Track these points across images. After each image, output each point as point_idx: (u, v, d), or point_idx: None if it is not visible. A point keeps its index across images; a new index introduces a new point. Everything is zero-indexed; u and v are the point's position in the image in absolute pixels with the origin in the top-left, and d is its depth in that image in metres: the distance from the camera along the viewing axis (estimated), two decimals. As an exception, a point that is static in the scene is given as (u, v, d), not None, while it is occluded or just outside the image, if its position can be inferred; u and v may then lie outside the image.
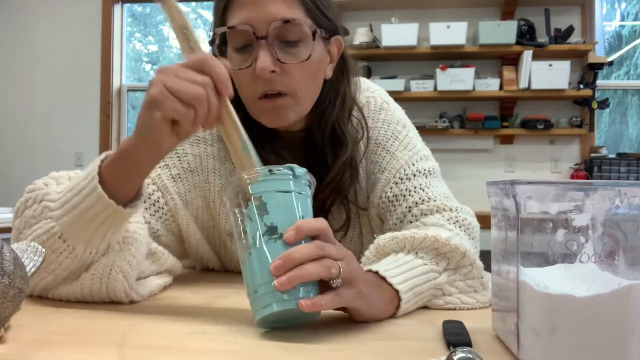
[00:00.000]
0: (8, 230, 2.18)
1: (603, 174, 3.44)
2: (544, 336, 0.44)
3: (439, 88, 3.48)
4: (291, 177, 0.59)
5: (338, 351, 0.51)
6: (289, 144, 0.88)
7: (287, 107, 0.80)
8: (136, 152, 0.62)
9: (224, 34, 0.79)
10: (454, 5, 3.63)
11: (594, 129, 3.58)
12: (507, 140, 3.66)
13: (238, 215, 0.58)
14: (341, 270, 0.55)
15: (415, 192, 0.85)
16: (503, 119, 3.60)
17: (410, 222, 0.84)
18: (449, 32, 3.43)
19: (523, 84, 3.42)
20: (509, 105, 3.59)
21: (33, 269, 0.58)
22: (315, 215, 0.60)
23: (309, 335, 0.56)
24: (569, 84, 3.44)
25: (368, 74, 3.55)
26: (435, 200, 0.84)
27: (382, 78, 3.53)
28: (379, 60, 3.65)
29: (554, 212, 0.45)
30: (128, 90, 4.13)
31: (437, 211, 0.83)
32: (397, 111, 0.96)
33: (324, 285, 0.56)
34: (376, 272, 0.64)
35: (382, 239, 0.74)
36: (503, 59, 3.57)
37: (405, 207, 0.85)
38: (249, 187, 0.58)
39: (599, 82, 3.58)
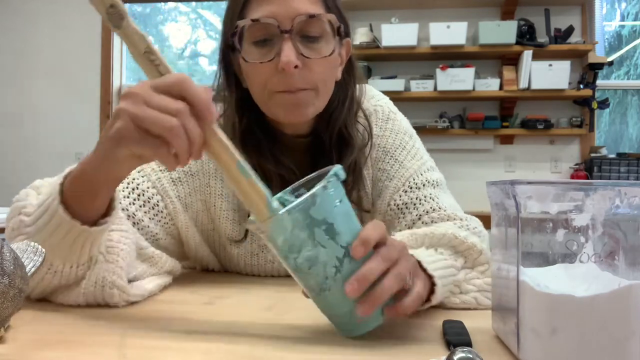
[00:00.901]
0: (8, 230, 2.19)
1: (603, 174, 3.44)
2: (544, 336, 0.44)
3: (439, 88, 3.48)
4: (340, 182, 0.54)
5: (338, 351, 0.51)
6: (290, 150, 0.87)
7: (308, 101, 0.80)
8: (95, 177, 0.59)
9: (242, 29, 0.78)
10: (454, 5, 3.63)
11: (594, 129, 3.58)
12: (507, 140, 3.66)
13: (304, 246, 0.52)
14: (409, 273, 0.55)
15: (425, 201, 0.86)
16: (503, 119, 3.60)
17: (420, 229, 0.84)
18: (449, 32, 3.43)
19: (523, 84, 3.42)
20: (509, 105, 3.59)
21: (33, 269, 0.58)
22: None
23: (309, 336, 0.56)
24: (569, 84, 3.44)
25: (368, 74, 3.55)
26: (445, 210, 0.85)
27: (382, 78, 3.53)
28: (379, 60, 3.65)
29: (554, 212, 0.45)
30: (128, 90, 4.12)
31: (447, 219, 0.84)
32: (404, 121, 0.97)
33: None
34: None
35: (400, 235, 0.74)
36: (503, 59, 3.57)
37: (416, 215, 0.86)
38: (310, 212, 0.51)
39: (599, 82, 3.58)
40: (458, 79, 3.46)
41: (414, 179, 0.89)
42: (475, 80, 3.48)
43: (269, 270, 0.93)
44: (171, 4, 4.40)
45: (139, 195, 0.83)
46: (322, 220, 0.51)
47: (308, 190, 0.53)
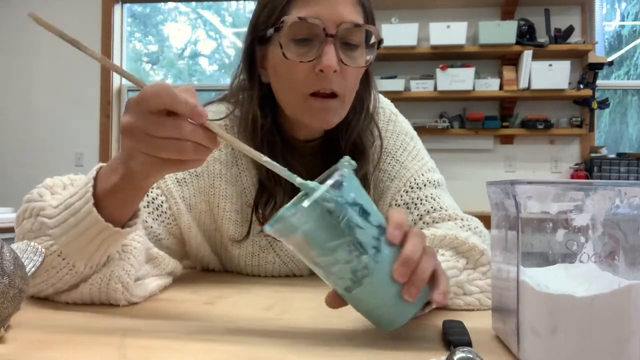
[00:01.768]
0: (8, 230, 2.18)
1: (603, 174, 3.44)
2: (544, 336, 0.44)
3: (439, 88, 3.49)
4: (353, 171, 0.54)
5: (338, 351, 0.51)
6: (301, 155, 0.88)
7: (336, 110, 0.80)
8: (125, 190, 0.60)
9: (281, 24, 0.78)
10: (454, 5, 3.63)
11: (594, 129, 3.58)
12: (507, 140, 3.66)
13: (336, 233, 0.50)
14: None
15: (426, 201, 0.87)
16: (503, 119, 3.60)
17: (422, 229, 0.84)
18: (449, 32, 3.43)
19: (523, 84, 3.42)
20: (509, 105, 3.59)
21: (33, 269, 0.58)
22: None
23: (309, 335, 0.56)
24: (569, 84, 3.44)
25: (368, 74, 3.55)
26: (447, 210, 0.85)
27: (382, 78, 3.53)
28: (379, 60, 3.60)
29: (554, 212, 0.45)
30: (128, 91, 4.13)
31: (449, 219, 0.84)
32: (404, 123, 0.98)
33: None
34: None
35: None
36: (503, 59, 3.58)
37: (417, 215, 0.86)
38: (342, 193, 0.50)
39: (599, 82, 3.59)
40: (458, 79, 3.46)
41: (415, 179, 0.89)
42: (475, 80, 3.48)
43: (269, 271, 0.93)
44: (171, 4, 4.40)
45: None
46: (353, 202, 0.50)
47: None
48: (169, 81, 4.53)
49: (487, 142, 3.65)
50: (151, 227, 0.83)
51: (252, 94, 0.86)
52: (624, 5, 4.19)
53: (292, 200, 0.57)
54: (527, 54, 3.39)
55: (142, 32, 4.59)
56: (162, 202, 0.84)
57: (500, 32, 3.43)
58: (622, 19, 4.23)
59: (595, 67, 3.48)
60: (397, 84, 3.50)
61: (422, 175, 0.90)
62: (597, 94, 3.55)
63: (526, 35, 3.48)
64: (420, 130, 3.44)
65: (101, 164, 0.63)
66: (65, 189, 0.69)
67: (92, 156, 3.98)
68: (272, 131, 0.85)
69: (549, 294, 0.44)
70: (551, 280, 0.45)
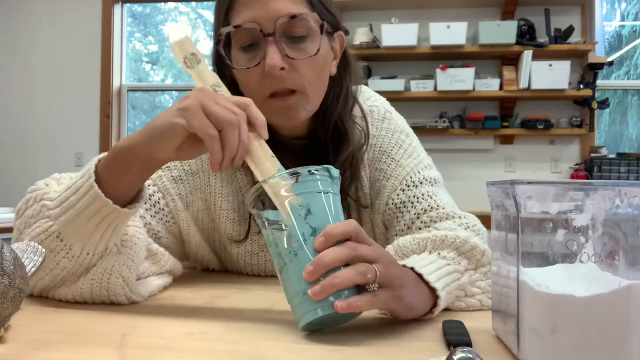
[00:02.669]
0: (8, 230, 2.18)
1: (603, 174, 3.44)
2: (544, 336, 0.44)
3: (439, 88, 3.48)
4: (328, 178, 0.58)
5: (338, 351, 0.51)
6: (289, 152, 0.87)
7: (298, 105, 0.79)
8: (135, 148, 0.61)
9: (228, 35, 0.78)
10: (454, 5, 3.63)
11: (594, 129, 3.58)
12: (507, 140, 3.66)
13: (273, 218, 0.57)
14: (377, 274, 0.54)
15: (423, 199, 0.86)
16: (503, 119, 3.60)
17: (419, 228, 0.84)
18: (449, 32, 3.43)
19: (523, 84, 3.42)
20: (509, 105, 3.59)
21: (33, 269, 0.58)
22: None
23: (309, 336, 0.56)
24: (569, 84, 3.44)
25: (368, 74, 3.56)
26: (444, 208, 0.84)
27: (382, 78, 3.54)
28: (379, 60, 3.65)
29: (554, 212, 0.45)
30: (128, 91, 4.13)
31: (446, 218, 0.83)
32: (400, 120, 0.96)
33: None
34: (411, 269, 0.62)
35: (403, 240, 0.74)
36: (503, 59, 3.58)
37: (414, 214, 0.85)
38: (291, 187, 0.57)
39: (599, 82, 3.58)
40: (458, 79, 3.46)
41: (411, 177, 0.88)
42: (475, 80, 3.48)
43: (269, 270, 0.93)
44: (171, 4, 4.40)
45: None
46: (298, 198, 0.56)
47: None
48: (169, 81, 4.54)
49: (487, 142, 3.65)
50: (150, 224, 0.83)
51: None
52: (624, 5, 4.19)
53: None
54: (527, 54, 3.39)
55: (142, 32, 4.59)
56: (158, 199, 0.85)
57: (500, 32, 3.42)
58: (622, 19, 4.23)
59: (595, 67, 3.48)
60: (397, 84, 3.50)
61: (419, 172, 0.89)
62: (597, 94, 3.55)
63: (526, 35, 3.48)
64: (420, 130, 3.45)
65: (104, 153, 0.65)
66: (72, 180, 0.69)
67: (92, 156, 3.86)
68: None
69: (549, 294, 0.44)
70: (551, 280, 0.45)
